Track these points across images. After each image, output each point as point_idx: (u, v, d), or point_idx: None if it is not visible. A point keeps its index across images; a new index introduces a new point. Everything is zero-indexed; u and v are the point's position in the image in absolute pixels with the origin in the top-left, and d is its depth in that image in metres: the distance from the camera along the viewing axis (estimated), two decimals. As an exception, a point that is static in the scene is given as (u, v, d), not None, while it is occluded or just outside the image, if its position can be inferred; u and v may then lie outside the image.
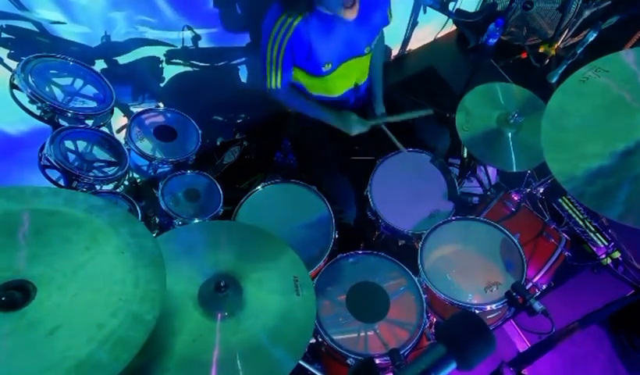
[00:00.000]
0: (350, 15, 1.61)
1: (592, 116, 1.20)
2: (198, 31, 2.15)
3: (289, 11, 1.66)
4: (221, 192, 1.96)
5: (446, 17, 3.05)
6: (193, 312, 1.20)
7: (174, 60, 2.22)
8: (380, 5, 1.84)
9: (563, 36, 2.77)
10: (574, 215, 1.98)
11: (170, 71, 2.25)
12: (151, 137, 1.98)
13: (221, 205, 1.92)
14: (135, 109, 2.08)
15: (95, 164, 1.80)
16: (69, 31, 1.83)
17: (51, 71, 1.72)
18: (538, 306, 1.39)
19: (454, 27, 3.30)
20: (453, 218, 1.75)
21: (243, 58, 2.42)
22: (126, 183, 1.99)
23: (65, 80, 1.75)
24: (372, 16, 1.80)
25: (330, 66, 1.83)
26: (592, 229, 1.93)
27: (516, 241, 1.62)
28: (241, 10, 2.19)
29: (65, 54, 1.73)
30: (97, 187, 1.76)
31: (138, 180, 2.11)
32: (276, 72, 1.79)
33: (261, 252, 1.38)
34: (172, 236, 1.47)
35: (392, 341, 1.51)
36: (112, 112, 1.84)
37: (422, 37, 3.19)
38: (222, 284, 1.21)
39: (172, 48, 2.15)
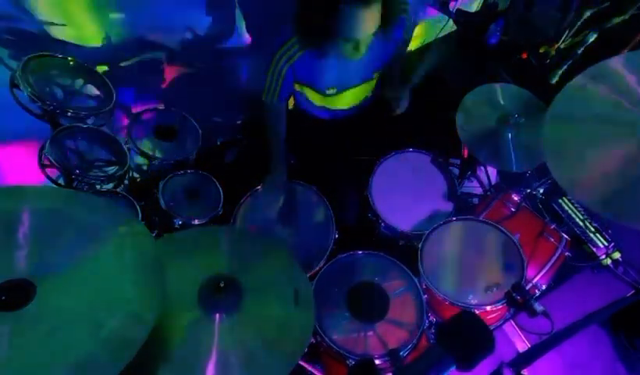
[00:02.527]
0: (358, 57, 1.59)
1: (592, 118, 1.20)
2: (199, 32, 2.15)
3: (300, 39, 1.64)
4: (221, 192, 1.96)
5: (446, 17, 3.05)
6: (193, 313, 1.20)
7: (175, 61, 2.22)
8: (394, 35, 1.82)
9: (564, 36, 2.77)
10: (573, 215, 1.97)
11: (171, 72, 2.26)
12: (151, 136, 1.98)
13: (221, 204, 1.92)
14: (135, 109, 2.08)
15: (95, 163, 1.81)
16: (70, 33, 1.83)
17: (52, 71, 1.72)
18: (538, 307, 1.39)
19: (454, 27, 3.30)
20: (453, 218, 1.75)
21: (243, 59, 2.42)
22: (126, 182, 1.99)
23: (66, 80, 1.75)
24: (384, 46, 1.78)
25: (334, 90, 1.83)
26: (592, 229, 1.93)
27: (516, 241, 1.62)
28: (241, 11, 2.19)
29: (66, 54, 1.74)
30: (98, 186, 1.76)
31: (138, 180, 2.11)
32: (274, 90, 1.79)
33: (263, 258, 1.38)
34: (172, 236, 1.47)
35: (392, 342, 1.51)
36: (112, 111, 1.84)
37: (422, 37, 3.19)
38: (221, 285, 1.21)
39: (173, 48, 2.15)
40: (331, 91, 1.83)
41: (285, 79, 1.73)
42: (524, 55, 2.93)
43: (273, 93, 1.79)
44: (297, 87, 1.88)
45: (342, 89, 1.84)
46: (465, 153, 1.96)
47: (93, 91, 1.82)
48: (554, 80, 2.63)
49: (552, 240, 1.77)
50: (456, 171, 2.08)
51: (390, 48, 1.85)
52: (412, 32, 1.93)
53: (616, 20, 2.55)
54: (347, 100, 1.95)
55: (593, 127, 1.20)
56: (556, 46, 2.75)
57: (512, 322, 1.76)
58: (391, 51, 1.87)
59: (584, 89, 1.23)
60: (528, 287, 1.65)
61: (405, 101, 2.00)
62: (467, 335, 0.83)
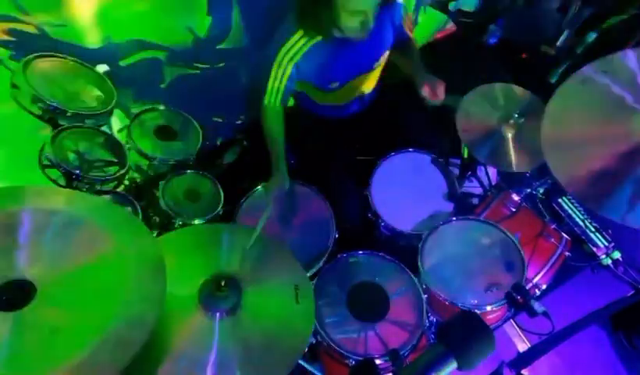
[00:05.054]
0: (364, 36, 1.59)
1: (592, 117, 1.20)
2: (198, 32, 2.15)
3: (306, 32, 1.63)
4: (221, 192, 1.96)
5: (446, 17, 3.05)
6: (193, 312, 1.20)
7: (174, 61, 2.22)
8: (390, 20, 1.82)
9: (564, 36, 2.77)
10: (574, 215, 1.97)
11: (171, 72, 2.25)
12: (152, 136, 1.98)
13: (221, 204, 1.92)
14: (135, 109, 2.08)
15: (95, 164, 1.80)
16: (70, 33, 1.83)
17: (52, 71, 1.72)
18: (538, 307, 1.39)
19: (454, 27, 3.30)
20: (453, 218, 1.75)
21: (244, 59, 2.42)
22: (126, 183, 1.99)
23: (66, 80, 1.75)
24: (383, 32, 1.78)
25: (337, 84, 1.82)
26: (592, 229, 1.93)
27: (516, 241, 1.62)
28: (242, 11, 2.19)
29: (66, 54, 1.74)
30: (98, 186, 1.76)
31: (138, 180, 2.11)
32: (277, 91, 1.77)
33: (263, 257, 1.38)
34: (173, 236, 1.47)
35: (393, 342, 1.51)
36: (112, 111, 1.84)
37: (422, 37, 3.19)
38: (222, 284, 1.21)
39: (173, 48, 2.15)
40: (334, 85, 1.82)
41: (289, 79, 1.73)
42: (524, 55, 2.93)
43: (276, 94, 1.78)
44: (298, 86, 1.88)
45: (344, 82, 1.84)
46: (465, 153, 1.96)
47: (93, 90, 1.82)
48: (554, 80, 2.63)
49: (553, 240, 1.77)
50: (456, 171, 2.08)
51: (389, 38, 1.85)
52: (412, 29, 1.93)
53: (616, 20, 2.55)
54: (348, 94, 1.94)
55: (594, 122, 1.20)
56: (556, 46, 2.76)
57: (512, 322, 1.76)
58: (390, 42, 1.88)
59: (585, 83, 1.23)
60: (528, 287, 1.65)
61: (440, 91, 1.88)
62: (467, 335, 0.83)
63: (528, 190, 1.88)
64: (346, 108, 2.03)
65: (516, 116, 1.82)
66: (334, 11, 1.49)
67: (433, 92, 1.87)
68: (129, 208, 1.77)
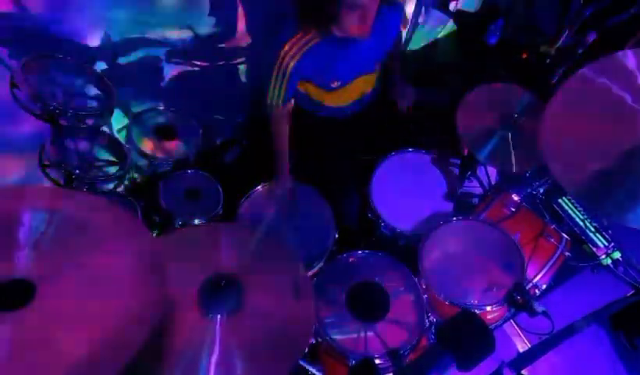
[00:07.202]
0: (365, 32, 1.58)
1: (592, 117, 1.20)
2: (199, 30, 2.15)
3: (307, 31, 1.64)
4: (221, 191, 1.96)
5: (447, 17, 3.05)
6: (193, 312, 1.20)
7: (174, 59, 2.22)
8: (392, 21, 1.83)
9: (564, 36, 2.77)
10: (574, 215, 1.97)
11: (170, 70, 2.25)
12: (152, 136, 1.98)
13: (221, 204, 1.92)
14: (135, 109, 2.08)
15: (95, 163, 1.81)
16: (69, 31, 1.83)
17: (52, 70, 1.72)
18: (538, 307, 1.39)
19: (454, 27, 3.30)
20: (453, 218, 1.75)
21: (244, 58, 2.42)
22: (127, 182, 1.99)
23: (66, 80, 1.75)
24: (385, 32, 1.79)
25: (338, 83, 1.82)
26: (592, 229, 1.93)
27: (516, 241, 1.62)
28: (242, 9, 2.19)
29: (66, 54, 1.73)
30: (98, 186, 1.76)
31: (138, 180, 2.11)
32: (279, 91, 1.78)
33: (262, 255, 1.38)
34: (173, 236, 1.47)
35: (393, 341, 1.51)
36: (112, 111, 1.84)
37: (422, 37, 3.19)
38: (222, 284, 1.21)
39: (173, 47, 2.15)
40: (335, 85, 1.83)
41: (290, 78, 1.73)
42: (524, 55, 2.93)
43: (279, 94, 1.78)
44: (299, 86, 1.88)
45: (346, 81, 1.84)
46: (465, 152, 1.96)
47: (93, 90, 1.82)
48: (554, 80, 2.63)
49: (552, 240, 1.77)
50: (456, 171, 2.08)
51: (390, 38, 1.85)
52: (412, 32, 1.94)
53: (616, 20, 2.55)
54: (349, 95, 1.95)
55: (594, 122, 1.20)
56: (556, 46, 2.75)
57: (512, 322, 1.76)
58: (391, 42, 1.88)
59: (585, 84, 1.23)
60: (528, 287, 1.65)
61: (409, 97, 2.02)
62: (467, 335, 0.83)
63: (528, 190, 1.88)
64: (346, 108, 2.03)
65: (516, 116, 1.82)
66: (333, 7, 1.50)
67: (402, 96, 2.02)
68: (129, 208, 1.77)
